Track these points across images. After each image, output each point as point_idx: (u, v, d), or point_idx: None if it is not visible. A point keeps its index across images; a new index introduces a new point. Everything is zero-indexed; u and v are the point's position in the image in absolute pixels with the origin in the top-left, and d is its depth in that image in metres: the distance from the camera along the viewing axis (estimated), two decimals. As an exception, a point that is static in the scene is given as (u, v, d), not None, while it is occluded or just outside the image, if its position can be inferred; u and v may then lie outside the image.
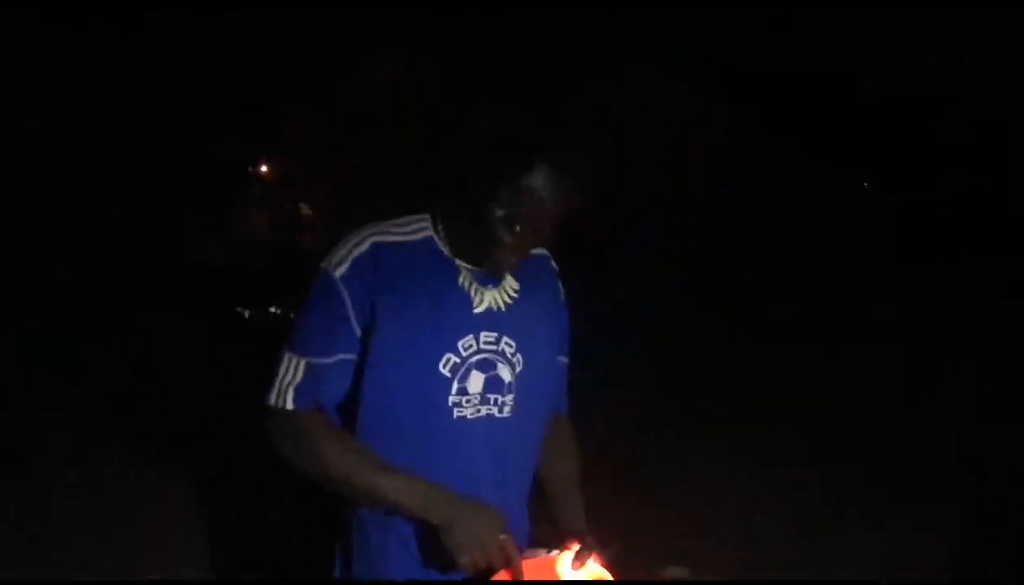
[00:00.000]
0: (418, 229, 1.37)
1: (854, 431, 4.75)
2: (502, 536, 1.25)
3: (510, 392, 1.37)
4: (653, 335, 6.39)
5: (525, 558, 1.31)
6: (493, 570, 1.26)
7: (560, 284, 1.52)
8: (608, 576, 1.32)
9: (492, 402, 1.36)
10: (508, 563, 1.25)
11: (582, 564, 1.31)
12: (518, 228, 1.27)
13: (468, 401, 1.34)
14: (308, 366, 1.32)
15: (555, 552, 1.34)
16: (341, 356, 1.32)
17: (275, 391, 1.32)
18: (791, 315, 7.08)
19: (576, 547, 1.33)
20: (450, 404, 1.33)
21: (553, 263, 1.52)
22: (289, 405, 1.31)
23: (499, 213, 1.27)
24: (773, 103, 9.75)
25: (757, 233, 9.14)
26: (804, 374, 5.73)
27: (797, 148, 9.99)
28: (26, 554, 3.15)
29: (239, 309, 4.39)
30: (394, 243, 1.34)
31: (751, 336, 6.63)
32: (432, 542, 1.31)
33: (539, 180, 1.25)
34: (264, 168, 10.04)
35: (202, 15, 8.50)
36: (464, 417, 1.34)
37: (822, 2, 8.94)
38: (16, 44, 8.45)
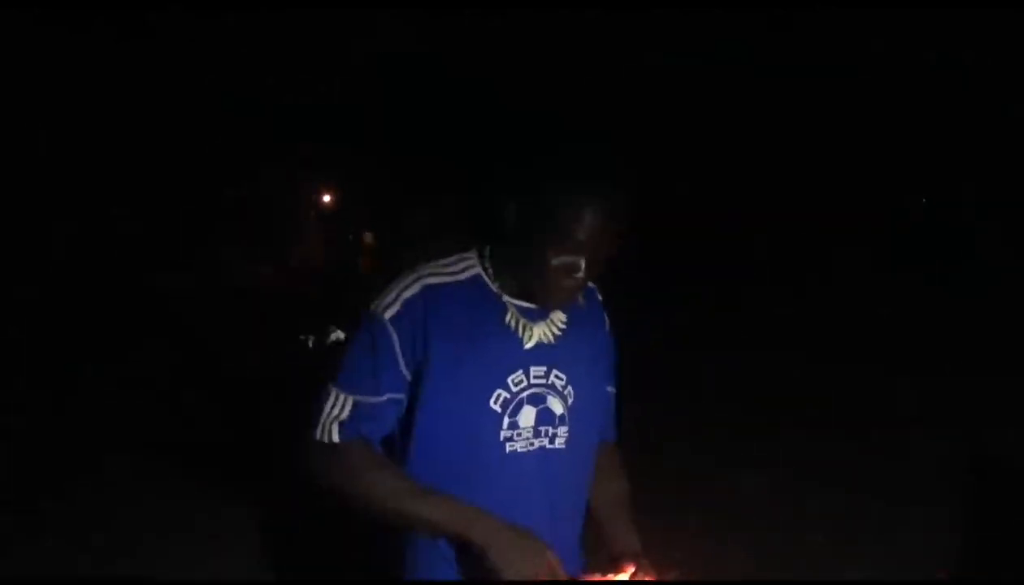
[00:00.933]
0: (466, 268, 1.38)
1: (856, 431, 4.75)
2: (547, 556, 1.25)
3: (563, 423, 1.38)
4: (654, 334, 6.43)
5: (579, 582, 1.31)
6: None
7: (605, 315, 1.53)
8: None
9: (544, 434, 1.37)
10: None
11: None
12: (580, 274, 1.28)
13: (520, 434, 1.35)
14: (355, 403, 1.32)
15: (610, 576, 1.33)
16: (390, 396, 1.33)
17: (320, 426, 1.32)
18: (791, 315, 7.07)
19: (631, 570, 1.32)
20: (502, 438, 1.34)
21: (599, 294, 1.53)
22: (335, 438, 1.31)
23: (557, 262, 1.27)
24: (774, 103, 9.76)
25: (758, 233, 9.15)
26: (806, 374, 5.73)
27: (797, 148, 10.00)
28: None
29: (302, 337, 4.38)
30: (443, 284, 1.35)
31: (751, 336, 6.62)
32: (480, 568, 1.30)
33: (596, 224, 1.25)
34: (327, 198, 10.11)
35: (260, 37, 8.52)
36: (516, 450, 1.35)
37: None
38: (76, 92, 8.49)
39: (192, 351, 5.87)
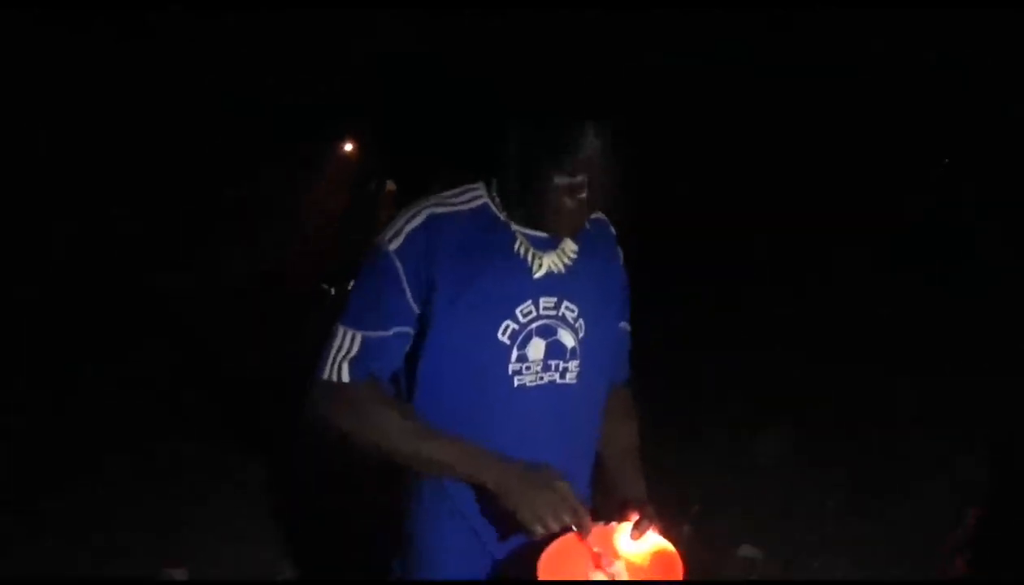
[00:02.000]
0: (472, 198, 1.36)
1: (856, 430, 4.76)
2: (563, 491, 1.21)
3: (574, 357, 1.35)
4: (653, 334, 6.38)
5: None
6: (560, 530, 1.20)
7: (619, 249, 1.50)
8: (670, 547, 1.26)
9: (554, 368, 1.34)
10: (575, 517, 1.20)
11: (641, 535, 1.27)
12: (583, 195, 1.26)
13: (528, 368, 1.32)
14: (364, 340, 1.30)
15: (614, 523, 1.30)
16: (397, 329, 1.30)
17: (329, 364, 1.30)
18: (791, 315, 7.08)
19: (635, 518, 1.29)
20: (510, 372, 1.31)
21: (612, 228, 1.50)
22: (345, 377, 1.29)
23: (561, 182, 1.25)
24: (773, 103, 9.77)
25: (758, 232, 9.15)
26: (806, 373, 5.74)
27: (797, 148, 10.01)
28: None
29: (325, 286, 4.43)
30: (449, 214, 1.32)
31: (751, 335, 6.63)
32: (491, 511, 1.29)
33: (596, 143, 1.23)
34: (348, 147, 10.04)
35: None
36: (524, 385, 1.32)
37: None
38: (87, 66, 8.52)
39: (192, 350, 5.89)
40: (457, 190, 1.37)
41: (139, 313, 6.80)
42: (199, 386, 5.10)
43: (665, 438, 4.65)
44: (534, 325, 1.32)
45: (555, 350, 1.33)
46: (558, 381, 1.34)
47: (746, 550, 3.29)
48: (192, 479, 3.89)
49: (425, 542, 1.39)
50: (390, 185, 7.58)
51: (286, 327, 5.32)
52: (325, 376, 1.30)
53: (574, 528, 1.21)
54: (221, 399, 4.83)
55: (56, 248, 8.41)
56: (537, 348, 1.32)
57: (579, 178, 1.25)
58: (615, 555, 1.27)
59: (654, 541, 1.27)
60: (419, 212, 1.31)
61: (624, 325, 1.51)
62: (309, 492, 3.60)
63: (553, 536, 1.21)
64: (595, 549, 1.24)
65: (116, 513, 3.56)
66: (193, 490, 3.80)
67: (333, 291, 4.60)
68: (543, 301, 1.33)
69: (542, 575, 1.16)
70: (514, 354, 1.30)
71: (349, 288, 1.38)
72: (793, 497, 3.85)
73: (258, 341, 5.72)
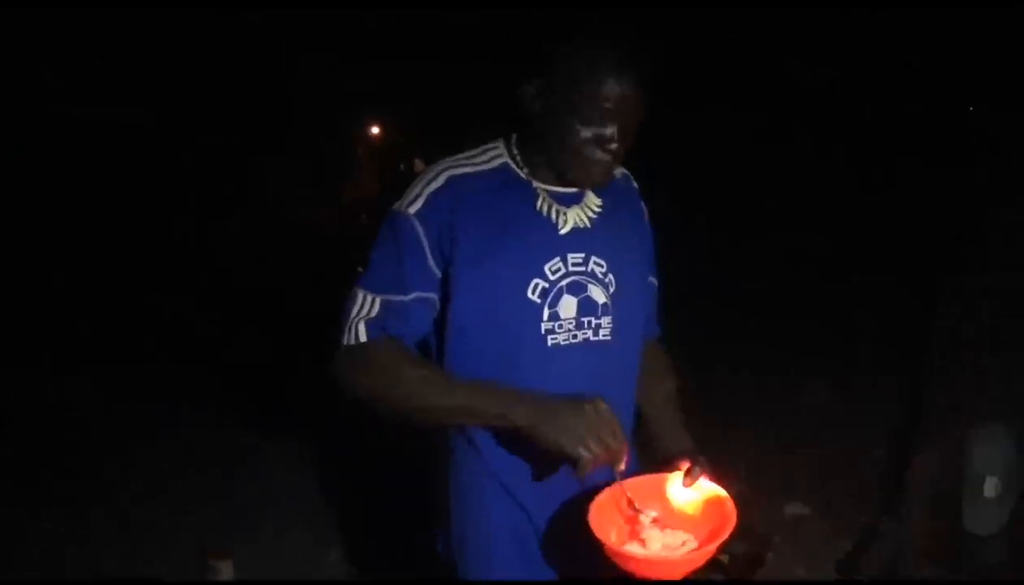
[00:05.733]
0: (493, 157, 1.33)
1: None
2: (600, 408, 1.14)
3: (606, 313, 1.31)
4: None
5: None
6: (610, 462, 1.14)
7: (643, 203, 1.47)
8: (723, 493, 1.21)
9: (587, 325, 1.29)
10: (615, 439, 1.13)
11: (693, 481, 1.23)
12: (613, 145, 1.23)
13: (561, 326, 1.27)
14: (384, 303, 1.26)
15: (665, 473, 1.25)
16: (418, 293, 1.26)
17: (347, 328, 1.27)
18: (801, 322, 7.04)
19: (686, 466, 1.24)
20: (543, 331, 1.27)
21: (635, 182, 1.46)
22: (362, 337, 1.25)
23: (587, 133, 1.22)
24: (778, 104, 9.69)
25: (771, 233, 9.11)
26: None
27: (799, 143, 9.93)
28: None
29: (360, 269, 4.46)
30: (469, 174, 1.29)
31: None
32: (527, 471, 1.25)
33: (622, 90, 1.20)
34: (375, 130, 10.08)
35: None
36: (558, 344, 1.28)
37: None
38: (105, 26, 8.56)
39: (230, 334, 5.94)
40: (476, 150, 1.34)
41: (175, 302, 6.88)
42: (237, 369, 5.17)
43: (707, 395, 4.70)
44: (564, 282, 1.28)
45: (587, 307, 1.29)
46: (592, 339, 1.30)
47: (794, 507, 3.32)
48: (232, 462, 3.96)
49: (463, 515, 1.35)
50: (419, 164, 7.60)
51: (322, 313, 5.37)
52: (344, 340, 1.27)
53: (613, 464, 1.16)
54: (259, 380, 4.89)
55: (84, 238, 8.50)
56: (569, 306, 1.28)
57: (608, 129, 1.22)
58: (666, 506, 1.23)
59: (707, 488, 1.23)
60: (439, 174, 1.28)
61: (652, 279, 1.47)
62: (351, 471, 3.65)
63: (594, 491, 1.17)
64: (635, 503, 1.20)
65: (155, 497, 3.64)
66: (234, 473, 3.87)
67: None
68: (571, 257, 1.29)
69: (595, 528, 1.12)
70: (546, 313, 1.26)
71: None
72: (838, 453, 3.84)
73: (295, 326, 5.78)
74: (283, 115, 9.85)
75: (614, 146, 1.23)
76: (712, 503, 1.22)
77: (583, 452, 1.11)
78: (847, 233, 9.06)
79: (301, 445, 4.05)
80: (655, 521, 1.20)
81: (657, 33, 1.30)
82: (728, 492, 1.21)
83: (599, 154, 1.24)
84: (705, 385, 4.67)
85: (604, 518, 1.16)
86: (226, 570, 3.02)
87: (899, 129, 9.68)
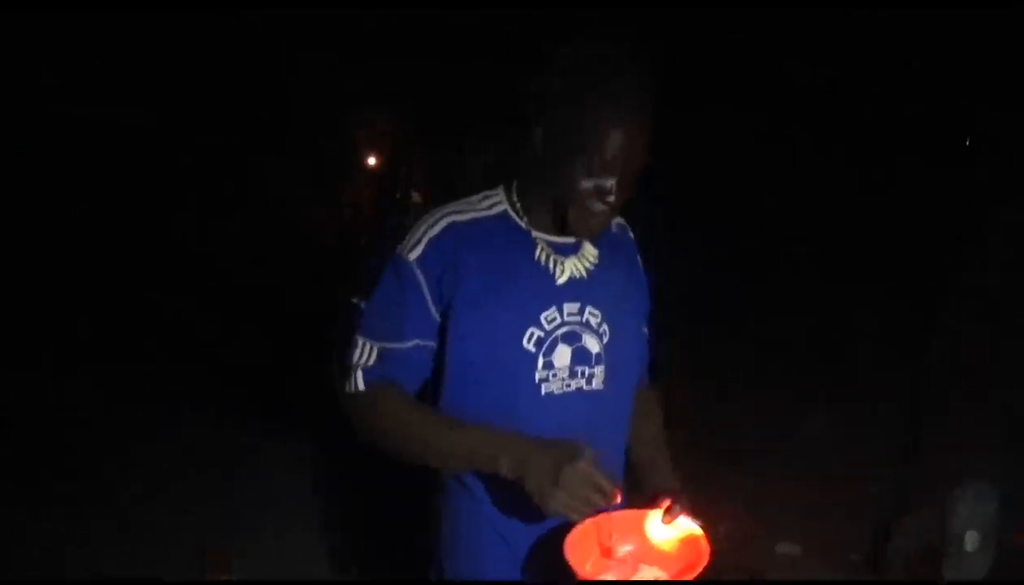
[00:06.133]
0: (493, 204, 1.34)
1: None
2: (585, 468, 1.13)
3: (599, 363, 1.33)
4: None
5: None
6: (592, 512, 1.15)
7: (638, 255, 1.48)
8: (699, 532, 1.23)
9: (581, 374, 1.32)
10: (603, 498, 1.14)
11: (672, 519, 1.25)
12: (611, 197, 1.23)
13: (555, 375, 1.29)
14: (380, 351, 1.29)
15: (645, 510, 1.27)
16: (417, 341, 1.29)
17: (348, 376, 1.30)
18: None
19: (666, 503, 1.26)
20: (537, 380, 1.28)
21: (631, 232, 1.48)
22: (360, 386, 1.29)
23: (587, 185, 1.23)
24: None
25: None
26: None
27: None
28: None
29: (355, 300, 4.47)
30: (469, 220, 1.31)
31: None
32: (514, 507, 1.26)
33: (624, 142, 1.20)
34: (372, 161, 10.16)
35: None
36: (552, 392, 1.30)
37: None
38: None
39: (229, 337, 5.95)
40: (476, 196, 1.35)
41: (175, 302, 6.89)
42: (237, 369, 5.18)
43: (702, 435, 4.71)
44: (559, 332, 1.30)
45: (581, 356, 1.31)
46: (585, 388, 1.32)
47: (784, 547, 3.33)
48: (232, 462, 3.98)
49: (454, 550, 1.38)
50: (416, 196, 7.65)
51: (321, 313, 5.38)
52: (346, 388, 1.31)
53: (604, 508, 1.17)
54: (259, 380, 4.90)
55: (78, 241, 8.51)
56: (563, 355, 1.30)
57: (608, 181, 1.23)
58: (643, 542, 1.25)
59: (684, 527, 1.25)
60: (439, 220, 1.29)
61: (646, 329, 1.49)
62: (350, 471, 3.65)
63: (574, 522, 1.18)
64: (612, 536, 1.22)
65: (155, 497, 3.65)
66: (234, 472, 3.89)
67: (363, 305, 4.68)
68: (567, 307, 1.31)
69: (570, 560, 1.14)
70: (540, 361, 1.28)
71: None
72: (831, 492, 3.87)
73: (295, 326, 5.79)
74: (283, 115, 9.84)
75: (612, 198, 1.24)
76: (688, 542, 1.24)
77: (569, 514, 1.14)
78: (847, 234, 9.07)
79: (301, 445, 4.05)
80: (630, 556, 1.23)
81: (661, 85, 1.27)
82: (716, 530, 1.24)
83: (598, 205, 1.25)
84: (702, 408, 4.70)
85: (581, 549, 1.18)
86: (224, 562, 3.05)
87: (899, 129, 9.68)
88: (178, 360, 5.40)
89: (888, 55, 9.20)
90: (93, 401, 4.70)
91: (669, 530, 1.26)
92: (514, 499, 1.25)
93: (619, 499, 1.18)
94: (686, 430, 1.55)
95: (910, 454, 4.23)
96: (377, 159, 9.93)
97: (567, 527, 1.19)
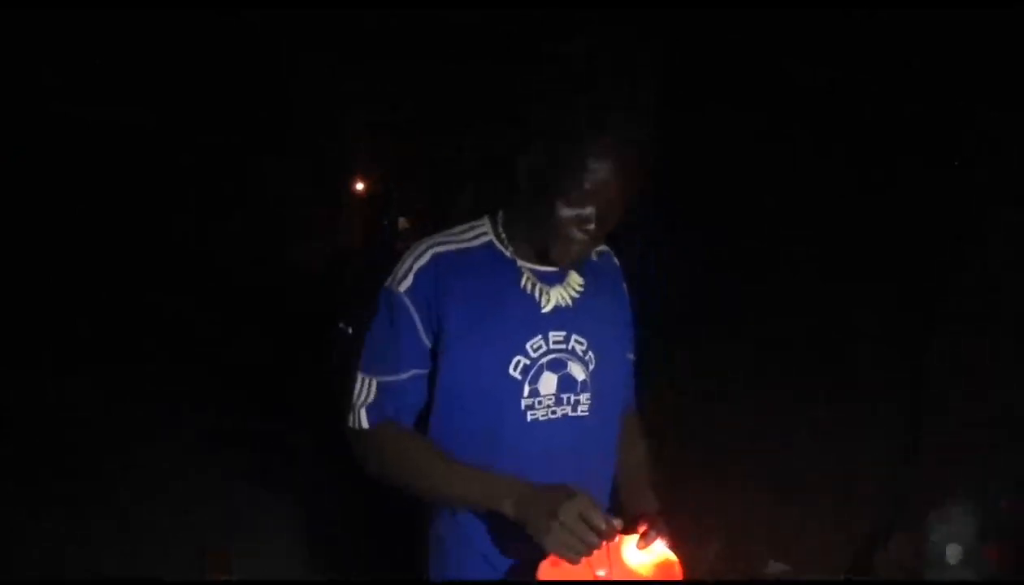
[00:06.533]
0: (478, 235, 1.37)
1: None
2: (584, 508, 1.16)
3: (584, 390, 1.35)
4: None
5: None
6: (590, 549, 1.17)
7: (623, 282, 1.50)
8: (672, 557, 1.26)
9: (566, 402, 1.34)
10: (602, 536, 1.17)
11: (648, 544, 1.26)
12: (591, 226, 1.24)
13: (541, 402, 1.32)
14: (380, 385, 1.32)
15: (621, 535, 1.26)
16: (413, 372, 1.32)
17: (351, 413, 1.34)
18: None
19: (643, 528, 1.27)
20: (523, 407, 1.31)
21: (615, 260, 1.50)
22: (364, 424, 1.32)
23: (567, 213, 1.24)
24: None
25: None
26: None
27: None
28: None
29: (341, 325, 4.46)
30: (454, 251, 1.33)
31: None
32: (503, 539, 1.30)
33: (604, 174, 1.20)
34: (359, 186, 10.26)
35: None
36: (537, 419, 1.32)
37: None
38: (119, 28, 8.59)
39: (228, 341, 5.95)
40: (462, 227, 1.37)
41: (175, 302, 6.89)
42: (237, 369, 5.18)
43: (688, 455, 4.71)
44: (545, 360, 1.32)
45: (566, 384, 1.33)
46: (570, 414, 1.34)
47: (774, 567, 3.33)
48: (232, 462, 3.99)
49: (439, 565, 1.40)
50: (403, 222, 7.69)
51: (321, 312, 5.37)
52: (349, 423, 1.34)
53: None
54: (259, 380, 4.90)
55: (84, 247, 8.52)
56: (548, 382, 1.32)
57: (588, 210, 1.23)
58: (619, 565, 1.26)
59: (659, 552, 1.26)
60: (425, 251, 1.32)
61: (630, 356, 1.50)
62: (350, 472, 3.65)
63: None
64: (594, 565, 1.23)
65: (155, 497, 3.66)
66: (234, 472, 3.89)
67: (350, 330, 4.69)
68: (552, 335, 1.33)
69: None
70: (526, 389, 1.30)
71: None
72: (821, 512, 3.87)
73: (295, 326, 5.78)
74: (283, 115, 9.86)
75: (591, 227, 1.24)
76: (663, 567, 1.26)
77: (568, 556, 1.16)
78: (847, 234, 9.07)
79: (301, 445, 4.06)
80: (605, 580, 1.24)
81: (653, 119, 1.26)
82: (707, 550, 1.23)
83: (578, 235, 1.26)
84: (701, 408, 4.72)
85: (556, 572, 1.20)
86: (223, 562, 3.05)
87: (899, 129, 9.69)
88: (178, 360, 5.40)
89: (888, 55, 9.21)
90: (93, 401, 4.70)
91: (644, 555, 1.27)
92: (502, 529, 1.28)
93: (616, 537, 1.20)
94: (685, 430, 1.55)
95: (910, 454, 4.25)
96: (366, 184, 10.03)
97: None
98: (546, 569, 1.19)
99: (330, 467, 3.81)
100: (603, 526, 1.17)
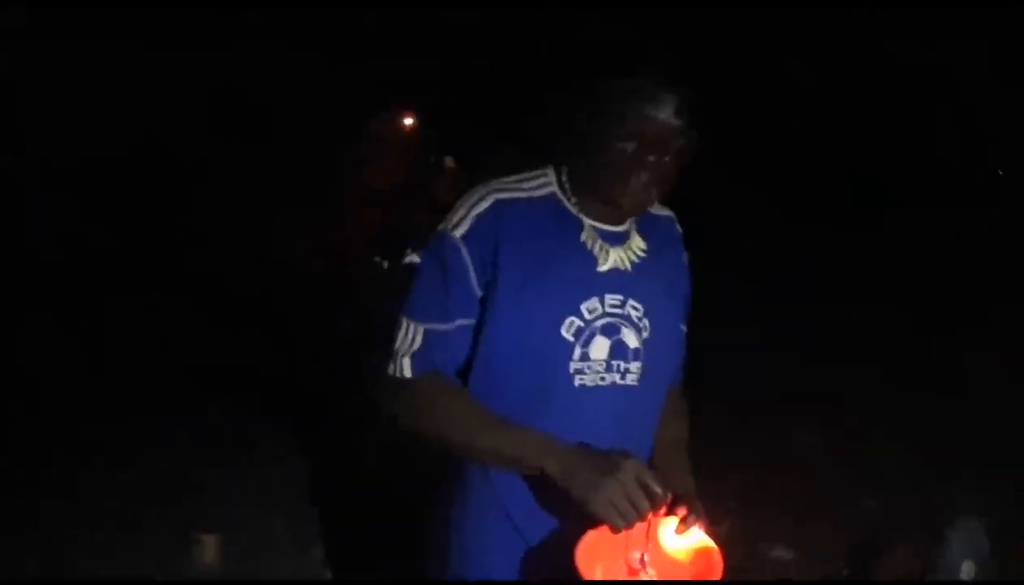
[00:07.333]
0: (541, 185, 1.31)
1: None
2: (636, 470, 1.13)
3: (636, 359, 1.30)
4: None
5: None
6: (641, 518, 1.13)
7: (684, 249, 1.46)
8: (712, 544, 1.22)
9: (616, 369, 1.29)
10: (653, 501, 1.13)
11: (686, 529, 1.22)
12: (652, 166, 1.20)
13: (591, 368, 1.27)
14: (426, 333, 1.26)
15: (659, 516, 1.23)
16: (461, 321, 1.26)
17: (392, 360, 1.28)
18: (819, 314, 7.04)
19: (682, 512, 1.23)
20: (571, 370, 1.26)
21: (678, 227, 1.45)
22: (407, 373, 1.26)
23: (629, 148, 1.20)
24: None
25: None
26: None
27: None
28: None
29: (377, 259, 4.45)
30: (517, 199, 1.28)
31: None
32: (536, 505, 1.26)
33: (663, 117, 1.18)
34: (406, 117, 10.16)
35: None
36: (584, 385, 1.27)
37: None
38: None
39: (237, 319, 5.97)
40: (524, 175, 1.32)
41: (181, 281, 6.92)
42: (237, 369, 5.18)
43: (700, 436, 4.69)
44: (599, 323, 1.27)
45: (618, 350, 1.28)
46: (619, 382, 1.29)
47: (780, 551, 3.34)
48: (232, 462, 3.98)
49: (465, 535, 1.35)
50: (449, 161, 7.60)
51: (332, 299, 5.39)
52: (389, 372, 1.28)
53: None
54: (259, 380, 4.90)
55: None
56: (600, 347, 1.27)
57: (650, 155, 1.20)
58: (656, 549, 1.23)
59: (698, 537, 1.23)
60: (485, 197, 1.26)
61: (683, 328, 1.45)
62: (350, 471, 3.67)
63: (592, 524, 1.16)
64: (630, 547, 1.20)
65: (154, 497, 3.63)
66: (225, 460, 3.92)
67: (386, 264, 4.67)
68: (609, 298, 1.28)
69: (580, 564, 1.13)
70: (577, 352, 1.25)
71: (403, 263, 1.34)
72: (827, 497, 3.86)
73: (302, 313, 5.80)
74: (283, 115, 9.86)
75: (652, 166, 1.21)
76: (701, 553, 1.23)
77: (615, 519, 1.11)
78: (846, 236, 9.08)
79: (301, 446, 4.06)
80: (641, 562, 1.21)
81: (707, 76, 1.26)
82: (718, 534, 1.22)
83: (636, 178, 1.22)
84: (701, 410, 4.65)
85: (593, 553, 1.16)
86: (211, 546, 3.08)
87: (899, 129, 9.69)
88: (178, 359, 5.39)
89: (888, 55, 9.22)
90: (93, 400, 4.70)
91: (682, 539, 1.23)
92: (536, 496, 1.25)
93: (663, 510, 1.17)
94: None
95: (910, 453, 4.25)
96: (410, 121, 9.92)
97: (583, 527, 1.16)
98: (587, 543, 1.15)
99: (330, 467, 3.82)
100: (659, 491, 1.13)
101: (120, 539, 3.21)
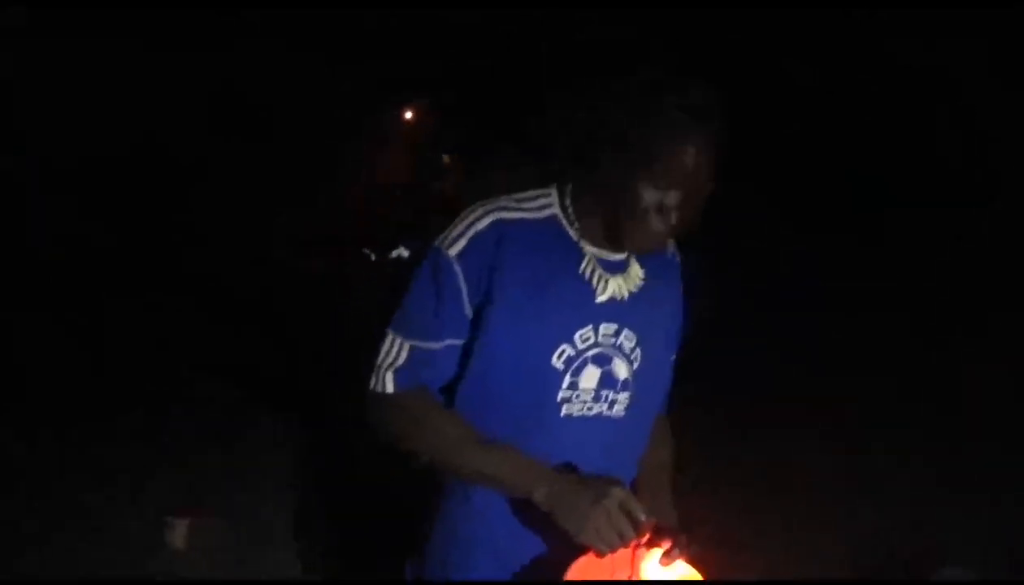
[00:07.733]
0: (543, 206, 1.26)
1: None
2: (621, 498, 1.12)
3: (625, 389, 1.27)
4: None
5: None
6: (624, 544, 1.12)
7: (680, 279, 1.41)
8: (698, 576, 1.20)
9: (604, 399, 1.26)
10: (639, 530, 1.12)
11: (671, 561, 1.18)
12: (672, 215, 1.16)
13: (578, 397, 1.24)
14: (412, 349, 1.23)
15: (643, 547, 1.20)
16: (450, 341, 1.23)
17: (375, 374, 1.25)
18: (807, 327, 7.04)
19: (667, 545, 1.19)
20: (559, 399, 1.23)
21: (678, 255, 1.41)
22: (389, 388, 1.23)
23: (651, 196, 1.15)
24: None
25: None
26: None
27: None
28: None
29: (365, 251, 4.45)
30: (516, 220, 1.23)
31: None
32: (519, 529, 1.24)
33: (697, 159, 1.13)
34: (408, 114, 10.11)
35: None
36: (571, 414, 1.24)
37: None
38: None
39: (233, 308, 5.98)
40: (527, 194, 1.27)
41: (181, 281, 6.91)
42: (237, 369, 5.18)
43: (698, 447, 4.66)
44: (591, 352, 1.23)
45: (607, 380, 1.25)
46: (605, 413, 1.26)
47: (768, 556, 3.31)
48: (232, 462, 3.98)
49: (441, 551, 1.33)
50: (447, 159, 7.62)
51: (332, 299, 5.40)
52: (371, 386, 1.25)
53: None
54: (259, 380, 4.91)
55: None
56: (591, 377, 1.24)
57: (671, 195, 1.15)
58: (639, 579, 1.20)
59: (682, 571, 1.20)
60: (485, 215, 1.22)
61: (672, 357, 1.41)
62: (349, 472, 3.67)
63: (579, 551, 1.14)
64: (619, 572, 1.18)
65: (154, 498, 3.62)
66: (225, 459, 3.92)
67: (373, 256, 4.67)
68: (603, 327, 1.24)
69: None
70: (566, 381, 1.22)
71: (391, 256, 1.31)
72: (827, 509, 3.84)
73: (301, 302, 5.80)
74: (283, 115, 9.87)
75: (671, 215, 1.16)
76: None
77: (599, 545, 1.11)
78: (846, 236, 9.09)
79: (301, 445, 4.06)
80: None
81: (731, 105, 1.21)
82: (704, 572, 1.21)
83: (658, 223, 1.17)
84: (699, 410, 4.67)
85: (582, 577, 1.15)
86: (180, 530, 3.11)
87: (899, 129, 9.69)
88: (178, 358, 5.40)
89: (888, 55, 9.22)
90: (92, 400, 4.70)
91: (666, 572, 1.21)
92: (514, 519, 1.23)
93: (648, 536, 1.16)
94: (680, 436, 1.52)
95: (911, 465, 4.24)
96: (412, 115, 9.87)
97: (559, 553, 1.16)
98: (576, 569, 1.15)
99: (330, 467, 3.82)
100: (642, 519, 1.12)
101: (120, 539, 3.20)
